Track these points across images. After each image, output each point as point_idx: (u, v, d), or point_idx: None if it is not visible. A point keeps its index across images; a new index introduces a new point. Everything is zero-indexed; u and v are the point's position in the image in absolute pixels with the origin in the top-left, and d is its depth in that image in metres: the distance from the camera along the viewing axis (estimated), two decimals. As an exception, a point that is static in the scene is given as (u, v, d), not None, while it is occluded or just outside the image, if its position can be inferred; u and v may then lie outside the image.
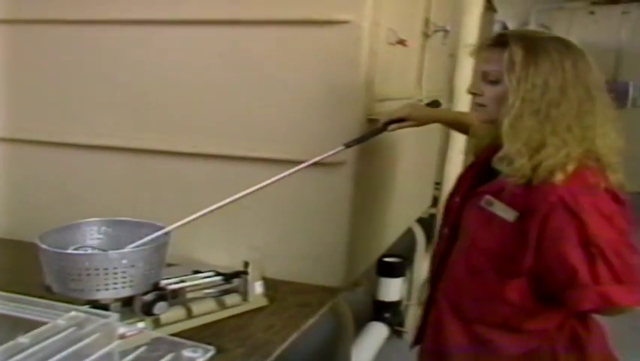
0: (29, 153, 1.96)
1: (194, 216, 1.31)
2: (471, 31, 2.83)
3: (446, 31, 2.29)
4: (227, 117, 1.72)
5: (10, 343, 0.72)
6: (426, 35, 2.17)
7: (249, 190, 1.37)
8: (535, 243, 1.19)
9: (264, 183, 1.38)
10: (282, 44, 1.65)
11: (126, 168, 1.86)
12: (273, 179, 1.40)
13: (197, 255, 1.75)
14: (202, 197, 1.74)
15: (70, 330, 0.79)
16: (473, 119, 1.41)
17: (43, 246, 1.19)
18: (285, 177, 1.41)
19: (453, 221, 1.40)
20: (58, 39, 1.87)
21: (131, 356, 0.85)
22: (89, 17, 1.80)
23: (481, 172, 1.37)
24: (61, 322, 0.80)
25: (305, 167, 1.46)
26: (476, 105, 1.32)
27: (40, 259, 1.20)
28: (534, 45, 1.21)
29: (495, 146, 1.27)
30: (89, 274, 1.15)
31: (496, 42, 1.25)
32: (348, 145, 1.55)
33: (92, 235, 1.33)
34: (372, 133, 1.62)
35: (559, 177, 1.17)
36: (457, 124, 1.76)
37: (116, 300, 1.23)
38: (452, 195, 1.45)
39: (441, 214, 1.57)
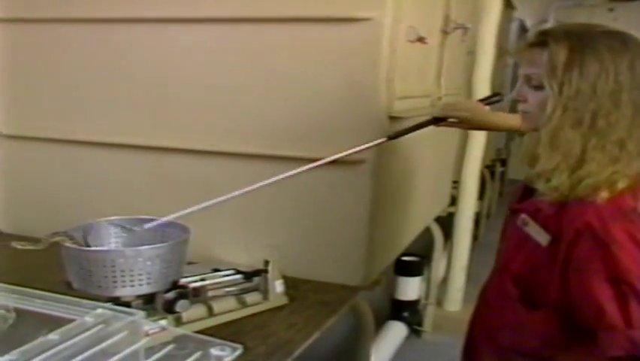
0: (47, 151, 1.97)
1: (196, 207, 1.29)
2: (490, 28, 2.82)
3: (465, 29, 2.27)
4: (246, 115, 1.72)
5: (41, 339, 0.73)
6: (445, 33, 2.15)
7: (269, 180, 1.39)
8: (560, 272, 1.06)
9: (288, 174, 1.39)
10: (302, 42, 1.64)
11: (144, 167, 1.86)
12: (300, 170, 1.39)
13: (215, 253, 1.74)
14: (220, 195, 1.76)
15: (98, 327, 0.79)
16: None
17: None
18: (313, 168, 1.40)
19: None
20: (75, 38, 1.88)
21: (159, 354, 0.85)
22: (105, 16, 1.81)
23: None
24: (88, 319, 0.80)
25: (343, 156, 1.42)
26: (521, 112, 1.17)
27: (59, 256, 1.21)
28: (580, 43, 1.04)
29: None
30: (107, 271, 1.15)
31: (538, 41, 1.09)
32: (391, 137, 1.48)
33: (116, 233, 1.33)
34: (418, 126, 1.54)
35: (603, 195, 1.03)
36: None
37: (137, 297, 1.23)
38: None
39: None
